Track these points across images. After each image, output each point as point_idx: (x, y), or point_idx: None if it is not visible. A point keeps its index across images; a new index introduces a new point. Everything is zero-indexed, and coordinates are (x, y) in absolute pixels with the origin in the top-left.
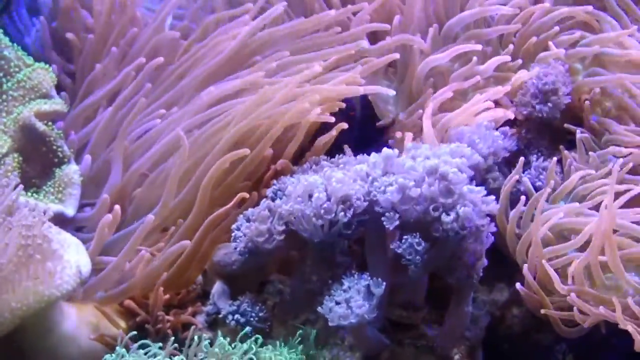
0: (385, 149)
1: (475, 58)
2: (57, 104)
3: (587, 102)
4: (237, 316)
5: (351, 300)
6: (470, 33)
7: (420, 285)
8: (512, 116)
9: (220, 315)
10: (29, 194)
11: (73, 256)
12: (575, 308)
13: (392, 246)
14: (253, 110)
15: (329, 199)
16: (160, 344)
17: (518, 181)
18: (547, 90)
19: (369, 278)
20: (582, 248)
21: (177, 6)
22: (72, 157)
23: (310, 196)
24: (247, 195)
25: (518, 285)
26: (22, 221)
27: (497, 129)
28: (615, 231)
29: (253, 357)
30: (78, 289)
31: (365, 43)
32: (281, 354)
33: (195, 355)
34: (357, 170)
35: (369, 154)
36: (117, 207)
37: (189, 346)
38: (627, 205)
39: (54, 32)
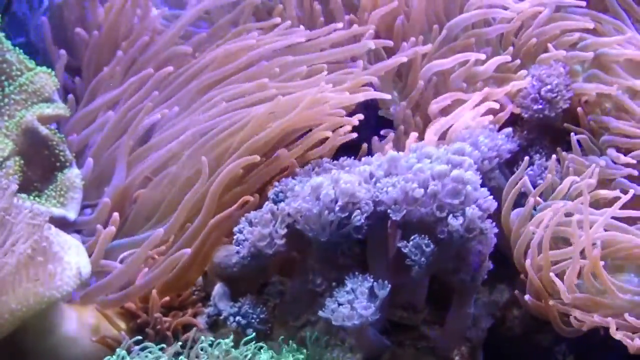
0: (390, 151)
1: (473, 59)
2: (60, 108)
3: (579, 109)
4: (238, 318)
5: (355, 302)
6: (470, 33)
7: (421, 286)
8: (514, 110)
9: (221, 317)
10: (31, 197)
11: (73, 258)
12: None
13: (399, 245)
14: (266, 121)
15: (337, 200)
16: (163, 345)
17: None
18: (547, 92)
19: (372, 280)
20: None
21: (194, 20)
22: (74, 161)
23: (319, 195)
24: (251, 198)
25: (519, 292)
26: (25, 223)
27: (498, 130)
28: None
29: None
30: (79, 291)
31: (371, 44)
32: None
33: (197, 357)
34: (360, 171)
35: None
36: (115, 214)
37: (190, 347)
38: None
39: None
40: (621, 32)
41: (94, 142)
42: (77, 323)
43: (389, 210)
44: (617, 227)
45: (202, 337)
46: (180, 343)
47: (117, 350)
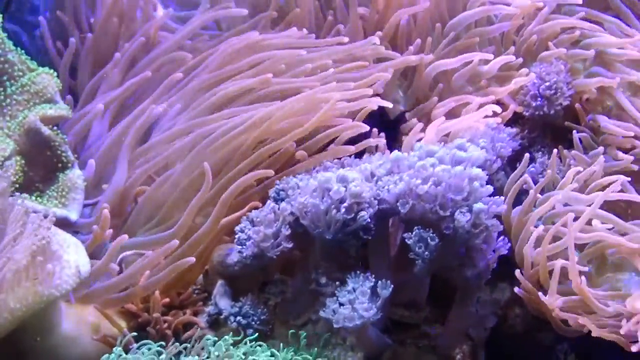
0: (395, 151)
1: (477, 58)
2: (62, 109)
3: (577, 105)
4: (238, 318)
5: (356, 302)
6: (473, 32)
7: (422, 284)
8: (516, 109)
9: (222, 317)
10: (33, 197)
11: (72, 256)
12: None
13: (404, 235)
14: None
15: (346, 199)
16: (162, 343)
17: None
18: (547, 89)
19: (374, 279)
20: None
21: (199, 27)
22: (76, 162)
23: (326, 192)
24: (259, 204)
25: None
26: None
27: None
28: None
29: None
30: (80, 290)
31: (377, 40)
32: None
33: (199, 355)
34: (361, 169)
35: None
36: (107, 214)
37: (193, 346)
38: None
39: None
40: (622, 30)
41: (92, 143)
42: (78, 322)
43: (397, 204)
44: (615, 222)
45: (208, 335)
46: (180, 341)
47: (115, 348)
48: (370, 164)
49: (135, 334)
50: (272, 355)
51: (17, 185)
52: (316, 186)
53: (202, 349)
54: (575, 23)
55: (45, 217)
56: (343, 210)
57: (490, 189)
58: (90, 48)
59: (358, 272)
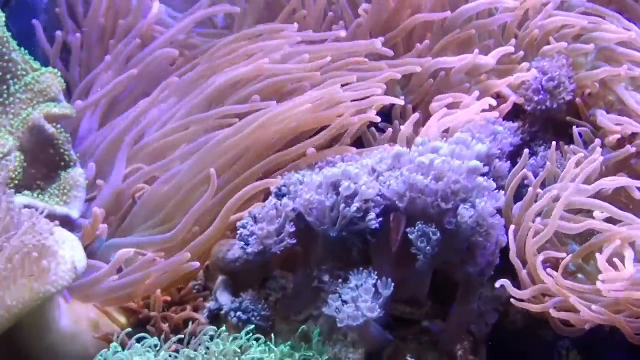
0: (396, 147)
1: (477, 50)
2: (66, 108)
3: (578, 100)
4: (239, 313)
5: (359, 300)
6: (472, 24)
7: (424, 281)
8: (517, 101)
9: (222, 312)
10: (34, 195)
11: (68, 252)
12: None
13: (407, 231)
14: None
15: (355, 197)
16: (157, 338)
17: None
18: (550, 85)
19: (376, 277)
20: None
21: (193, 25)
22: (79, 161)
23: (334, 187)
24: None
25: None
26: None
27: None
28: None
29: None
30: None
31: (379, 42)
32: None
33: (196, 350)
34: (363, 164)
35: None
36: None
37: (188, 342)
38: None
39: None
40: (624, 26)
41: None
42: (76, 319)
43: (395, 199)
44: (610, 211)
45: (210, 327)
46: (180, 337)
47: (112, 345)
48: (371, 160)
49: (132, 330)
50: (270, 350)
51: (17, 182)
52: (321, 182)
53: (199, 345)
54: (576, 22)
55: (41, 213)
56: (355, 209)
57: (493, 184)
58: (84, 42)
59: (361, 268)
